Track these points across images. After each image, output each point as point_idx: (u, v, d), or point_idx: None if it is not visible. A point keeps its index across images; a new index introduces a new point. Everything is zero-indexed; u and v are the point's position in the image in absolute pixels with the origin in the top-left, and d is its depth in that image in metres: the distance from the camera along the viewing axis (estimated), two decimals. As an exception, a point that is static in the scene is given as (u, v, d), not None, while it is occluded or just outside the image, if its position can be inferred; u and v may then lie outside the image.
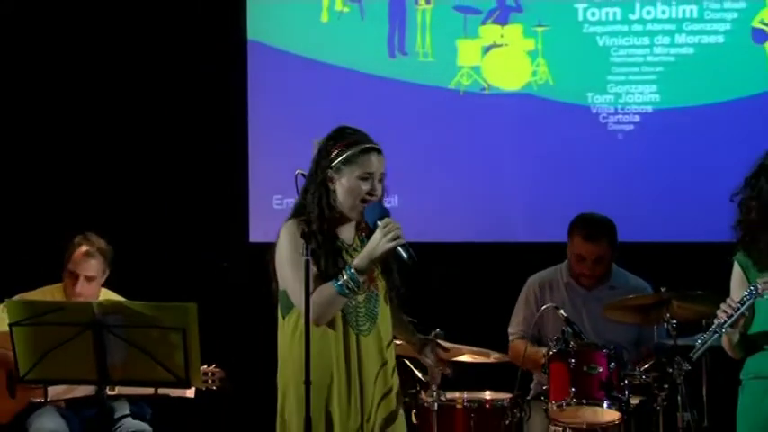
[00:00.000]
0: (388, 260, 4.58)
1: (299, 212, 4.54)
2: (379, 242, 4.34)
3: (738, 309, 4.49)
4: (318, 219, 4.47)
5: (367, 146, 4.55)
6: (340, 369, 4.46)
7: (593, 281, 6.21)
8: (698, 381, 5.79)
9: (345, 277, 4.33)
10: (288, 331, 4.50)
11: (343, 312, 4.47)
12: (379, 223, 4.37)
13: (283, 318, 4.52)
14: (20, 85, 7.88)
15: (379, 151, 4.56)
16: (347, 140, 4.57)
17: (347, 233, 4.53)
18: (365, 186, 4.48)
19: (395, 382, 4.65)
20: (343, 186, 4.48)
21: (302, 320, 4.36)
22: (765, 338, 4.58)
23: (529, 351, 6.00)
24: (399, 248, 4.33)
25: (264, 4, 7.69)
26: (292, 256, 4.44)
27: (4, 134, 7.85)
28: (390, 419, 4.58)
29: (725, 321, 4.49)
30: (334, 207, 4.50)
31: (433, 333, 5.63)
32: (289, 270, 4.46)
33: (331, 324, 4.46)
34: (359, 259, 4.37)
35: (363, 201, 4.47)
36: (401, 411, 4.67)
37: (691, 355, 4.85)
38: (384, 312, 4.63)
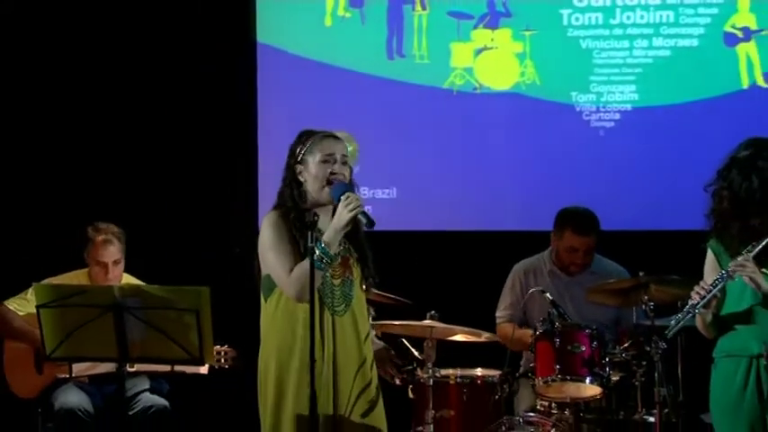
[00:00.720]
0: (363, 248, 4.71)
1: (278, 205, 4.66)
2: (341, 213, 4.44)
3: (711, 291, 4.51)
4: (294, 209, 4.58)
5: (324, 133, 4.67)
6: (321, 349, 4.49)
7: (580, 269, 6.24)
8: (674, 359, 5.79)
9: (318, 252, 4.40)
10: (269, 311, 4.60)
11: (320, 294, 4.51)
12: (341, 198, 4.45)
13: (265, 300, 4.62)
14: (48, 82, 7.86)
15: (336, 137, 4.66)
16: (307, 136, 4.69)
17: (324, 220, 4.54)
18: (328, 168, 4.56)
19: (373, 374, 4.68)
20: (311, 174, 4.61)
21: (282, 299, 4.51)
22: (736, 319, 4.58)
23: (516, 333, 6.03)
24: (359, 216, 4.46)
25: (273, 10, 7.66)
26: (273, 243, 4.56)
27: (35, 123, 7.85)
28: (369, 409, 4.61)
29: (698, 302, 4.50)
30: (305, 197, 4.60)
31: (428, 314, 5.68)
32: (270, 254, 4.57)
33: (304, 300, 4.47)
34: (327, 233, 4.47)
35: (329, 182, 4.56)
36: (380, 402, 4.67)
37: (666, 333, 4.88)
38: (359, 297, 4.69)
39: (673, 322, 4.68)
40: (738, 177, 4.55)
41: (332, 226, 4.47)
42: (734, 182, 4.56)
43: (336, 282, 4.59)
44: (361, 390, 4.60)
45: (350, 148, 5.07)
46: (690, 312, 4.54)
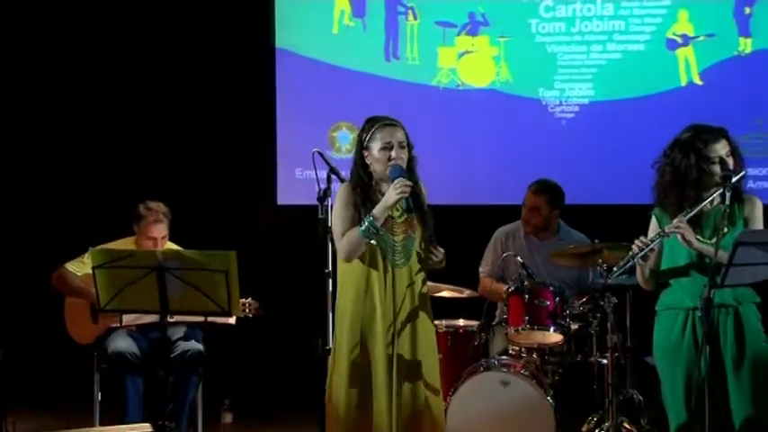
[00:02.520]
0: (425, 214, 4.71)
1: (350, 180, 4.70)
2: (389, 194, 4.49)
3: (648, 245, 4.52)
4: (359, 185, 4.61)
5: (384, 122, 4.65)
6: (381, 298, 4.56)
7: (533, 229, 6.23)
8: (623, 311, 5.83)
9: (366, 224, 4.46)
10: (347, 265, 4.63)
11: (382, 251, 4.59)
12: (395, 181, 4.49)
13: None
14: (112, 80, 7.93)
15: (394, 125, 4.65)
16: (371, 124, 4.67)
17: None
18: (387, 154, 4.59)
19: (425, 314, 4.70)
20: (374, 158, 4.62)
21: (346, 267, 4.60)
22: (674, 274, 4.61)
23: (494, 286, 6.10)
24: (403, 200, 4.47)
25: (289, 19, 7.66)
26: (337, 210, 4.63)
27: (100, 116, 7.92)
28: (419, 340, 4.65)
29: (637, 253, 4.51)
30: (372, 176, 4.64)
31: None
32: (335, 219, 4.65)
33: (374, 261, 4.58)
34: (376, 209, 4.50)
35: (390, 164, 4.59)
36: (430, 335, 4.72)
37: (611, 275, 4.88)
38: (417, 261, 4.70)
39: (615, 268, 4.71)
40: (679, 155, 4.56)
41: (381, 203, 4.52)
42: (675, 159, 4.57)
43: (398, 239, 4.63)
44: (413, 331, 4.63)
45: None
46: (630, 260, 4.56)
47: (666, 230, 4.49)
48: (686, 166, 4.53)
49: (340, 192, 4.66)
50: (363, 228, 4.46)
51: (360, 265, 4.60)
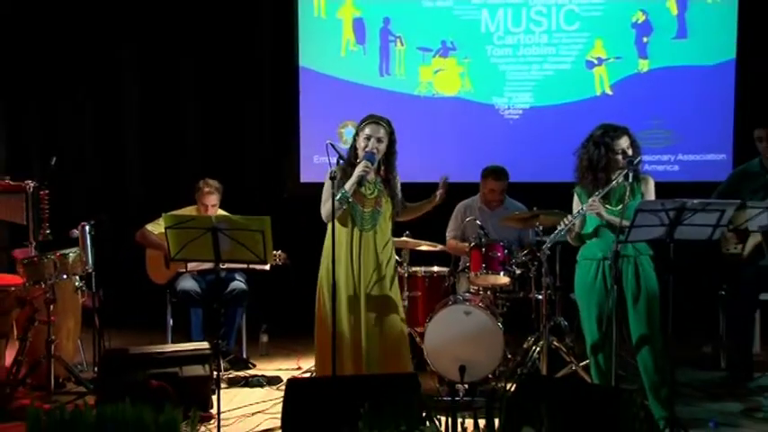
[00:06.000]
0: (394, 191, 4.68)
1: (345, 161, 4.61)
2: (354, 173, 4.47)
3: (571, 221, 4.56)
4: (348, 164, 4.58)
5: (368, 121, 4.62)
6: (348, 250, 4.51)
7: (498, 204, 6.21)
8: (554, 260, 5.83)
9: (340, 194, 4.40)
10: (328, 229, 4.57)
11: (353, 218, 4.53)
12: (362, 162, 4.47)
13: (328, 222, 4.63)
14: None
15: (377, 123, 4.60)
16: (364, 120, 4.65)
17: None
18: (367, 143, 4.57)
19: (388, 270, 4.64)
20: (360, 145, 4.57)
21: (329, 226, 4.51)
22: (590, 235, 4.65)
23: (458, 246, 6.07)
24: (363, 174, 4.46)
25: (309, 45, 7.59)
26: (325, 186, 4.57)
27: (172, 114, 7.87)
28: (381, 288, 4.60)
29: (563, 227, 4.57)
30: (357, 156, 4.59)
31: (404, 233, 5.67)
32: (323, 192, 4.58)
33: (346, 224, 4.53)
34: (347, 183, 4.47)
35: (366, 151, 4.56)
36: (392, 287, 4.65)
37: (546, 245, 4.99)
38: (383, 221, 4.65)
39: (547, 240, 4.80)
40: (592, 147, 4.58)
41: (350, 179, 4.49)
42: (590, 150, 4.59)
43: (367, 210, 4.59)
44: (377, 279, 4.59)
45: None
46: (558, 233, 4.61)
47: (585, 209, 4.53)
48: (598, 156, 4.55)
49: (329, 173, 4.60)
50: (338, 197, 4.42)
51: (339, 227, 4.57)
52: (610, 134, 4.55)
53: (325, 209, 4.53)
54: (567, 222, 4.55)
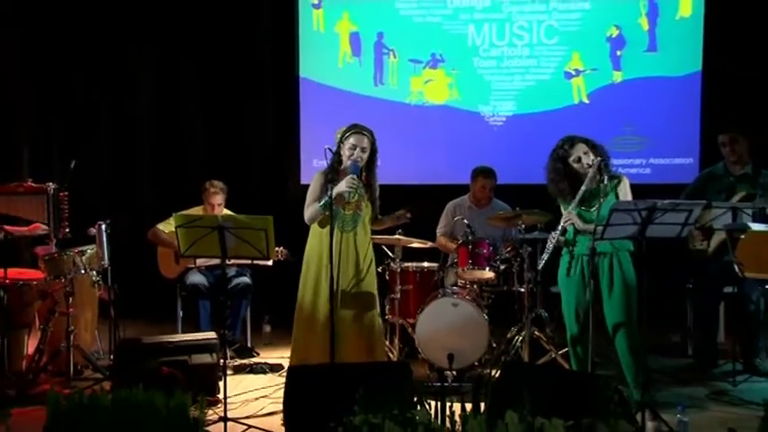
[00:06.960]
0: (374, 196, 4.64)
1: (326, 167, 4.58)
2: (341, 186, 4.43)
3: (555, 237, 4.57)
4: (331, 171, 4.54)
5: (352, 131, 4.55)
6: (328, 250, 4.44)
7: (487, 202, 6.19)
8: (535, 256, 5.80)
9: (324, 200, 4.38)
10: (314, 228, 4.58)
11: (336, 220, 4.49)
12: (349, 177, 4.43)
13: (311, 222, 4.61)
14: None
15: (361, 133, 4.55)
16: (348, 129, 4.60)
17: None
18: (351, 152, 4.52)
19: (366, 267, 4.60)
20: (344, 153, 4.53)
21: (315, 225, 4.53)
22: (573, 240, 4.64)
23: (448, 243, 6.05)
24: (348, 192, 4.44)
25: (309, 57, 7.56)
26: (311, 188, 4.58)
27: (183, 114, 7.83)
28: (361, 286, 4.56)
29: (551, 246, 4.57)
30: (341, 164, 4.54)
31: (397, 232, 5.64)
32: (308, 194, 4.58)
33: (330, 226, 4.46)
34: (334, 191, 4.41)
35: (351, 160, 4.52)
36: (371, 282, 4.61)
37: (539, 264, 4.80)
38: (363, 224, 4.61)
39: (540, 261, 4.71)
40: (552, 161, 4.63)
41: (336, 188, 4.44)
42: (551, 164, 4.65)
43: (348, 213, 4.56)
44: (355, 275, 4.57)
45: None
46: (549, 252, 4.59)
47: (562, 225, 4.55)
48: (557, 168, 4.56)
49: (314, 176, 4.61)
50: (322, 203, 4.40)
51: (322, 228, 4.56)
52: (564, 147, 4.59)
53: (309, 212, 4.55)
54: (552, 240, 4.55)
